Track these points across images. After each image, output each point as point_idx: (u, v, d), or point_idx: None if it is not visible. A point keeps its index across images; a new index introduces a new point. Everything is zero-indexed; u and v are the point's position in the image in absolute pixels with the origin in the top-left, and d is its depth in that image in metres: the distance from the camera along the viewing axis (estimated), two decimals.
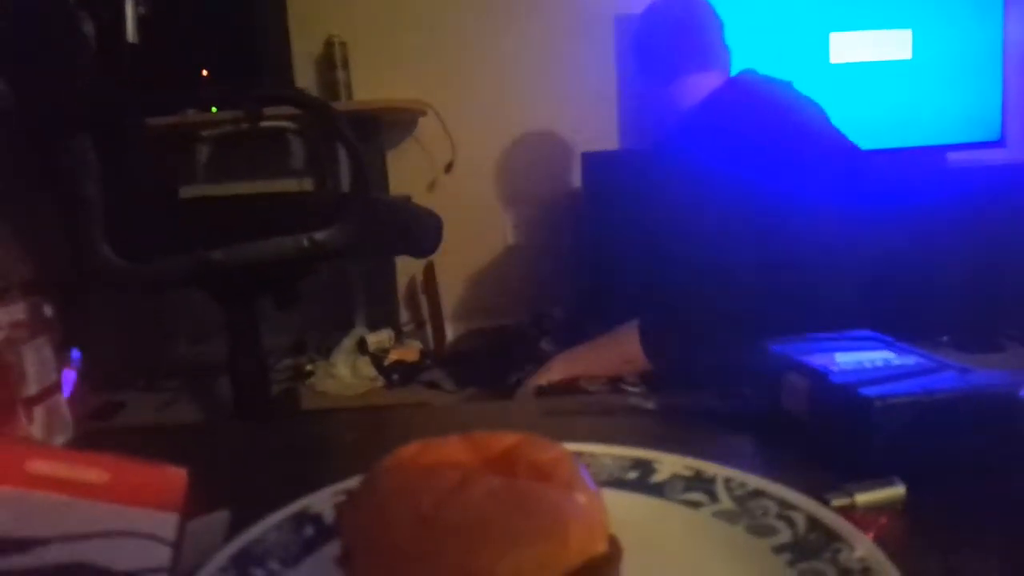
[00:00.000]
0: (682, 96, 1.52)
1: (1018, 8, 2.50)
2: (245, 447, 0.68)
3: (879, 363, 0.56)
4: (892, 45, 2.47)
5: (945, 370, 0.54)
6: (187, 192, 2.24)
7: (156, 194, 1.72)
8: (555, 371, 1.47)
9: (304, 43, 2.71)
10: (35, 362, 0.58)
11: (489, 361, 2.29)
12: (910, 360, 0.57)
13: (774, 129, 1.39)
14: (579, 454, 0.48)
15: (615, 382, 1.46)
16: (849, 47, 2.46)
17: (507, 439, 0.36)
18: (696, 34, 1.54)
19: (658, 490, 0.44)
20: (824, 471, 0.50)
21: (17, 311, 0.57)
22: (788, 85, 1.51)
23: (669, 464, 0.46)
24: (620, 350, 1.43)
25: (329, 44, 2.64)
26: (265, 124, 1.77)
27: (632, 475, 0.46)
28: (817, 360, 0.57)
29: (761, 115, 1.40)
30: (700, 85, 1.50)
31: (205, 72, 2.46)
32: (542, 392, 1.43)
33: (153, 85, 2.33)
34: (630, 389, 1.45)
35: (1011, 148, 2.54)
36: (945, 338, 2.44)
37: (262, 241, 1.37)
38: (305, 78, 2.74)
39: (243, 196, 1.90)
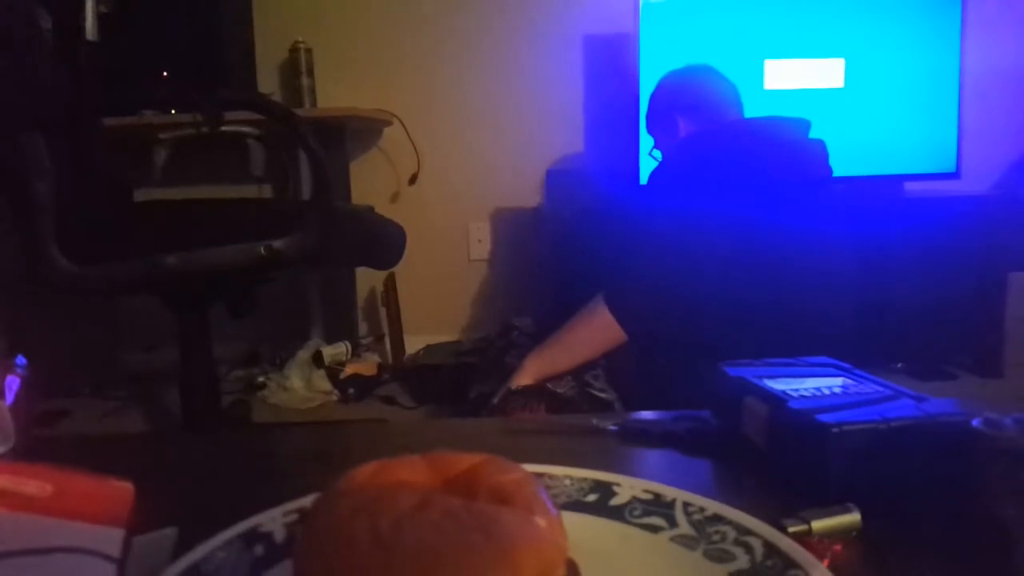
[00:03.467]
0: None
1: (975, 43, 2.59)
2: (193, 460, 0.67)
3: (837, 390, 0.57)
4: (825, 74, 2.54)
5: (901, 398, 0.55)
6: (143, 195, 2.19)
7: (110, 196, 1.68)
8: (527, 373, 1.47)
9: (269, 48, 2.68)
10: None
11: (449, 376, 2.27)
12: (867, 388, 0.58)
13: (761, 166, 1.43)
14: (539, 475, 0.48)
15: (581, 381, 1.47)
16: (783, 74, 2.53)
17: (468, 460, 0.35)
18: (726, 89, 1.66)
19: (617, 513, 0.44)
20: (782, 496, 0.51)
21: None
22: (795, 124, 1.55)
23: (628, 487, 0.46)
24: (591, 328, 1.43)
25: (294, 50, 2.62)
26: (226, 128, 1.74)
27: (592, 498, 0.46)
28: (776, 385, 0.58)
29: (748, 154, 1.44)
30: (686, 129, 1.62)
31: (165, 74, 2.41)
32: (511, 396, 1.43)
33: (113, 84, 2.29)
34: (598, 393, 1.46)
35: (966, 180, 2.62)
36: (899, 365, 2.49)
37: (218, 247, 1.35)
38: (269, 83, 2.71)
39: (200, 201, 1.86)
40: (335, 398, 2.22)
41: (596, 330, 1.42)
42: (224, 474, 0.61)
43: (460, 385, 2.02)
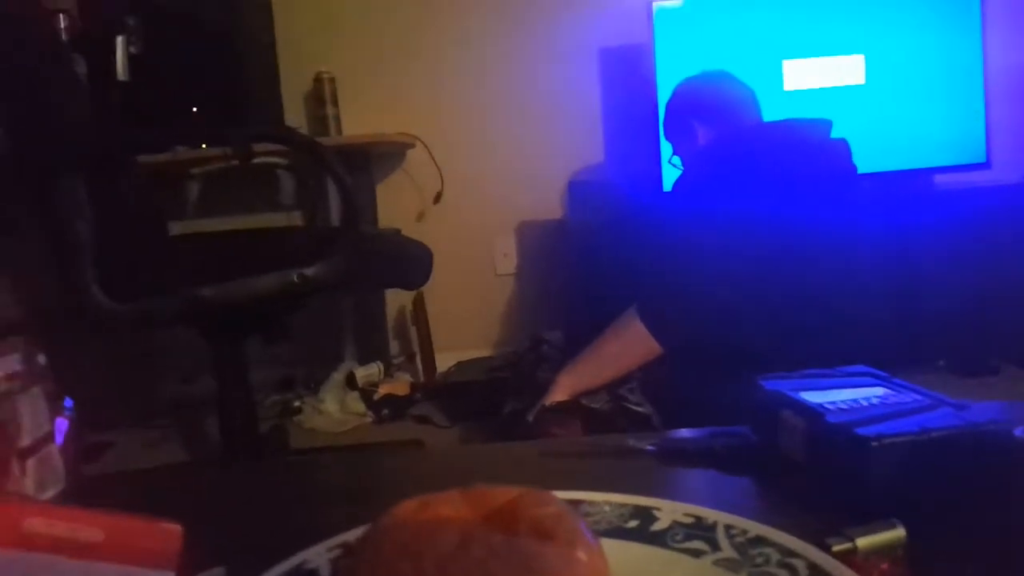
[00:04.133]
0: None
1: (996, 31, 2.55)
2: (235, 493, 0.68)
3: (875, 401, 0.56)
4: (846, 71, 2.51)
5: (941, 407, 0.55)
6: (177, 228, 2.24)
7: (146, 232, 1.72)
8: (561, 389, 1.46)
9: (294, 79, 2.73)
10: (29, 413, 0.57)
11: (481, 393, 2.27)
12: (906, 397, 0.57)
13: (789, 166, 1.42)
14: (579, 502, 0.48)
15: (615, 395, 1.46)
16: (803, 74, 2.51)
17: (506, 494, 0.36)
18: (744, 93, 1.66)
19: (659, 539, 0.44)
20: (823, 512, 0.50)
21: (12, 362, 0.56)
22: (819, 125, 1.54)
23: (669, 511, 0.46)
24: (624, 342, 1.42)
25: (318, 80, 2.66)
26: (255, 160, 1.78)
27: (632, 524, 0.46)
28: (812, 398, 0.57)
29: (775, 154, 1.43)
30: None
31: (195, 109, 2.47)
32: (546, 413, 1.43)
33: (144, 122, 2.35)
34: (634, 407, 1.45)
35: (996, 169, 2.57)
36: (941, 362, 2.45)
37: (251, 278, 1.37)
38: (295, 113, 2.76)
39: (232, 232, 1.90)
40: (370, 419, 2.24)
41: (630, 344, 1.41)
42: (265, 507, 0.62)
43: (493, 402, 2.03)
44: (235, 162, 1.52)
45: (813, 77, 2.51)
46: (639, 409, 1.40)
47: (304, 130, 2.75)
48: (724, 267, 1.35)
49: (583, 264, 2.47)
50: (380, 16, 2.81)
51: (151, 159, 2.20)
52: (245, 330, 1.65)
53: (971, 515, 0.47)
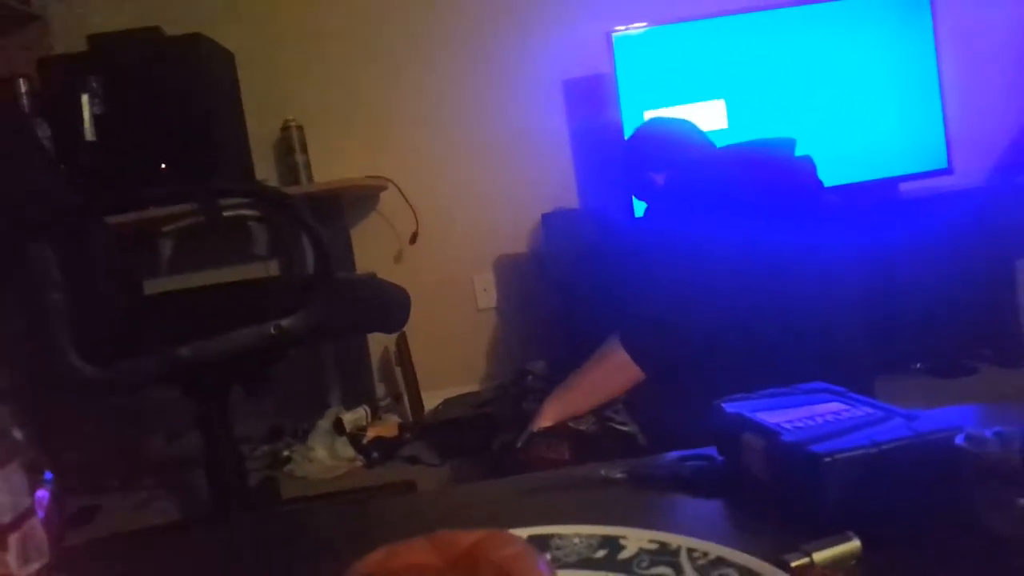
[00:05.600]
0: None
1: (948, 37, 2.64)
2: (225, 552, 0.68)
3: (829, 417, 0.59)
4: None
5: (893, 419, 0.57)
6: (152, 287, 2.24)
7: (121, 293, 1.72)
8: (547, 415, 1.48)
9: (261, 129, 2.76)
10: (7, 490, 0.58)
11: (469, 428, 2.28)
12: (859, 411, 0.59)
13: (762, 188, 1.45)
14: (550, 536, 0.49)
15: (601, 416, 1.47)
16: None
17: (470, 537, 0.37)
18: (696, 135, 1.70)
19: (626, 567, 0.46)
20: (785, 529, 0.52)
21: None
22: (784, 144, 1.57)
23: (635, 539, 0.48)
24: (607, 370, 1.43)
25: (286, 128, 2.69)
26: (226, 214, 1.79)
27: (600, 553, 0.47)
28: (770, 418, 0.60)
29: (748, 176, 1.46)
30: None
31: (164, 166, 2.48)
32: (534, 438, 1.44)
33: (113, 182, 2.35)
34: (619, 426, 1.47)
35: (959, 174, 2.64)
36: (918, 365, 2.49)
37: (228, 334, 1.38)
38: (265, 163, 2.78)
39: (207, 288, 1.91)
40: (360, 464, 2.23)
41: (613, 371, 1.42)
42: (254, 564, 0.63)
43: (482, 436, 2.03)
44: (202, 219, 1.53)
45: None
46: (625, 429, 1.41)
47: (275, 179, 2.77)
48: (699, 289, 1.37)
49: (562, 294, 2.50)
50: (343, 62, 2.85)
51: (121, 219, 2.20)
52: (227, 384, 1.65)
53: (924, 523, 0.49)
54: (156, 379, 1.42)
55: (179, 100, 2.46)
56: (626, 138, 1.82)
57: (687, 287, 1.37)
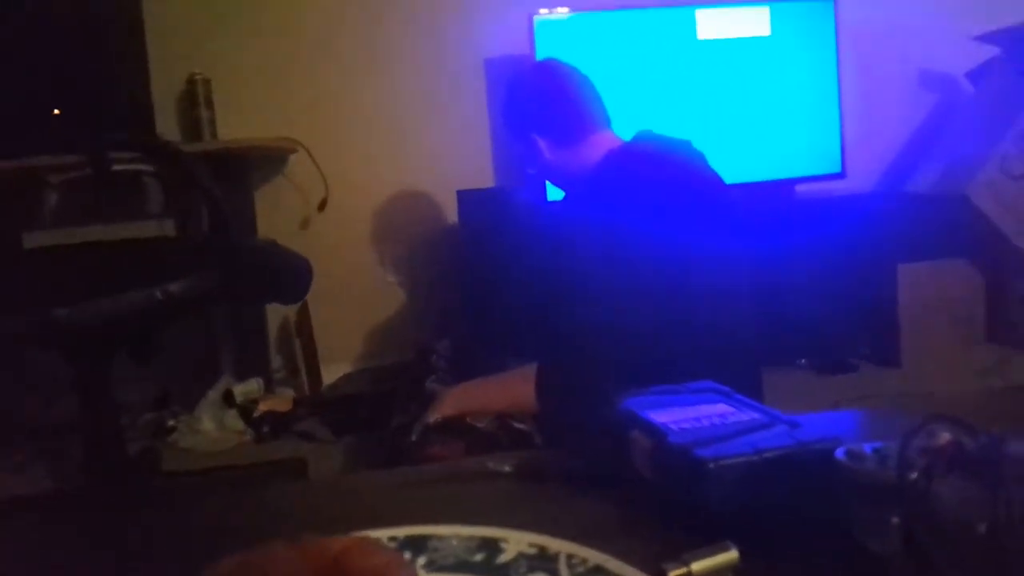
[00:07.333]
0: (585, 156, 1.53)
1: (850, 47, 2.74)
2: (84, 536, 0.64)
3: (716, 420, 0.59)
4: None
5: (777, 425, 0.58)
6: (34, 240, 2.09)
7: None
8: (447, 406, 1.44)
9: (165, 81, 2.60)
10: None
11: (368, 405, 2.24)
12: (745, 416, 0.60)
13: (674, 187, 1.43)
14: (427, 537, 0.48)
15: (503, 417, 1.45)
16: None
17: (338, 544, 0.35)
18: (584, 97, 1.56)
19: (503, 572, 0.45)
20: (669, 532, 0.52)
21: None
22: (686, 144, 1.57)
23: (515, 542, 0.47)
24: (513, 391, 1.40)
25: (191, 82, 2.55)
26: (117, 168, 1.68)
27: (478, 557, 0.46)
28: (659, 417, 0.60)
29: (662, 174, 1.44)
30: (599, 144, 1.52)
31: (57, 111, 2.31)
32: (429, 433, 1.41)
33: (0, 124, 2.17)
34: (516, 424, 1.46)
35: (851, 179, 2.77)
36: (803, 361, 2.60)
37: (111, 296, 1.29)
38: (167, 116, 2.63)
39: (93, 244, 1.79)
40: (249, 438, 2.16)
41: (516, 398, 1.38)
42: (108, 553, 0.59)
43: (380, 413, 2.00)
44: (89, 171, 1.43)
45: None
46: (521, 427, 1.41)
47: (176, 134, 2.63)
48: (619, 285, 1.34)
49: (472, 273, 2.48)
50: (258, 17, 2.72)
51: (3, 165, 2.05)
52: (109, 349, 1.56)
53: (802, 534, 0.50)
54: (27, 341, 1.32)
55: (77, 42, 2.29)
56: (512, 87, 1.67)
57: (609, 282, 1.34)
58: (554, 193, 2.40)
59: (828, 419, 0.70)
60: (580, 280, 1.37)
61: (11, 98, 2.22)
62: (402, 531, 0.47)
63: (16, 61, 2.23)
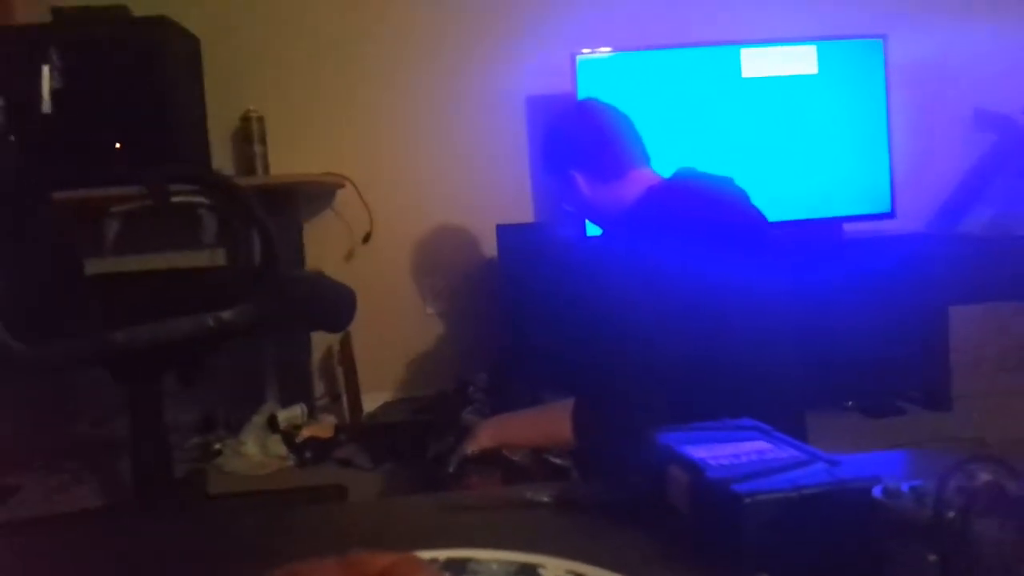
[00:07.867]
0: (623, 193, 1.52)
1: (900, 87, 2.72)
2: (135, 551, 0.66)
3: (754, 456, 0.59)
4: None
5: (815, 463, 0.58)
6: (94, 267, 2.17)
7: (59, 271, 1.67)
8: (484, 438, 1.45)
9: (221, 117, 2.71)
10: None
11: (406, 434, 2.26)
12: (783, 453, 0.60)
13: (714, 224, 1.42)
14: (467, 560, 0.49)
15: (539, 451, 1.45)
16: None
17: (382, 560, 0.37)
18: (623, 134, 1.57)
19: None
20: (704, 565, 0.53)
21: None
22: (728, 181, 1.57)
23: (552, 568, 0.48)
24: (550, 426, 1.39)
25: (246, 119, 2.65)
26: (176, 200, 1.75)
27: None
28: (697, 453, 0.60)
29: (701, 211, 1.43)
30: (638, 181, 1.52)
31: (119, 145, 2.42)
32: (467, 463, 1.41)
33: (67, 157, 2.28)
34: (553, 459, 1.45)
35: (901, 219, 2.73)
36: (850, 403, 2.55)
37: (165, 321, 1.34)
38: (222, 152, 2.73)
39: (149, 273, 1.86)
40: (291, 463, 2.19)
41: (553, 434, 1.37)
42: (161, 567, 0.61)
43: (418, 443, 2.02)
44: (150, 202, 1.50)
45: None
46: (558, 461, 1.41)
47: (231, 169, 2.72)
48: (662, 322, 1.33)
49: (510, 306, 2.50)
50: (311, 56, 2.82)
51: (69, 196, 2.14)
52: (160, 371, 1.61)
53: (837, 571, 0.50)
54: (86, 362, 1.38)
55: (139, 81, 2.40)
56: (552, 124, 1.67)
57: (649, 319, 1.33)
58: (593, 229, 2.41)
59: (868, 459, 0.69)
60: (618, 316, 1.36)
61: (78, 133, 2.33)
62: (443, 553, 0.48)
63: (84, 99, 2.34)
